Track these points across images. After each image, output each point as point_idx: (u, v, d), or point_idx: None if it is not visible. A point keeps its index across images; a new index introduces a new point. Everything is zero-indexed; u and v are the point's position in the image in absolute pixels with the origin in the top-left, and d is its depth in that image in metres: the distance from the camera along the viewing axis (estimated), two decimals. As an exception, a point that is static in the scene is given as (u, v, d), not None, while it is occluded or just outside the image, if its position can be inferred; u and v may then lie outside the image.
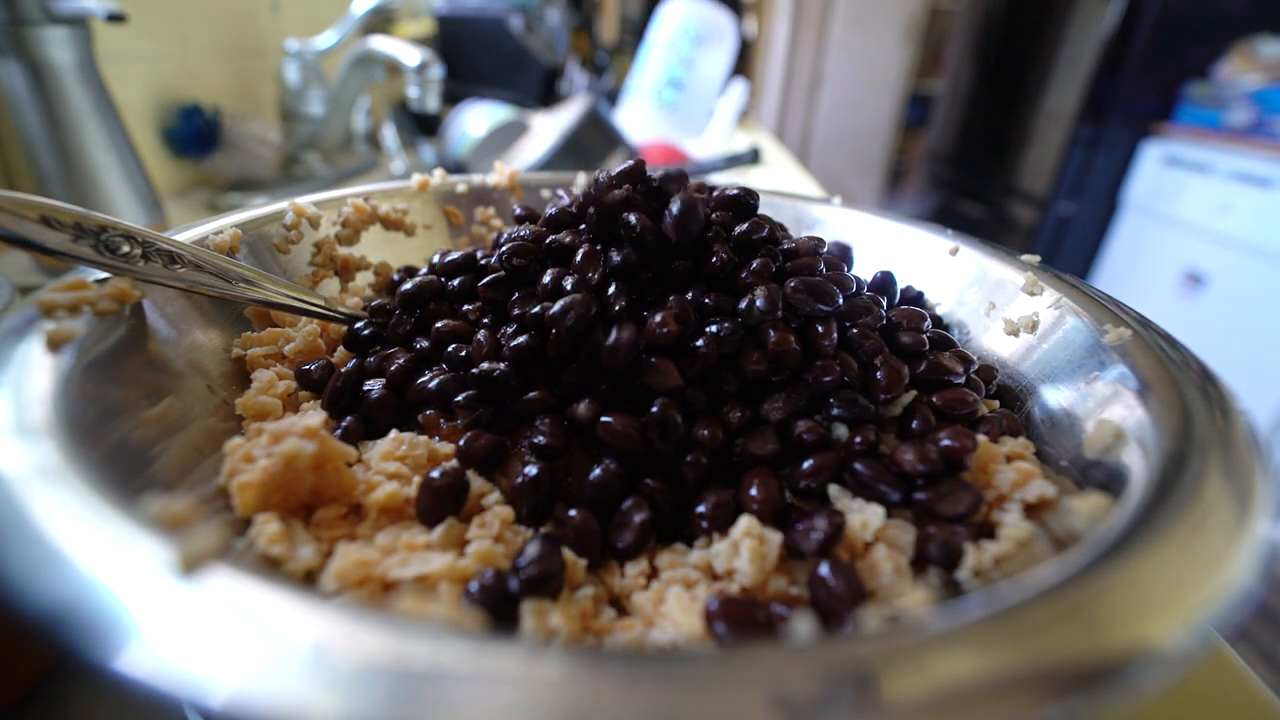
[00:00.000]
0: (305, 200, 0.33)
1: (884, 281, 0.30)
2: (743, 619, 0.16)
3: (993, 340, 0.29)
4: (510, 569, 0.18)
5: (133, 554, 0.12)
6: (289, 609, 0.12)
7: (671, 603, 0.17)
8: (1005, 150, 2.12)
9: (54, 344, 0.19)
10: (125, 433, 0.19)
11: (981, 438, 0.21)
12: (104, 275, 0.22)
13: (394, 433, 0.22)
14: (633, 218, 0.25)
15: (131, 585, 0.12)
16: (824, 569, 0.18)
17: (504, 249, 0.26)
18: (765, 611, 0.17)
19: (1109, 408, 0.21)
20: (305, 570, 0.17)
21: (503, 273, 0.26)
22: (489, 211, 0.40)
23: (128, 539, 0.13)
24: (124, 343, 0.21)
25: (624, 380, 0.23)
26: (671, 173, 0.26)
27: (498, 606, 0.17)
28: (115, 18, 0.51)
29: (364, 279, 0.34)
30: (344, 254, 0.34)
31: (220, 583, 0.12)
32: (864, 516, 0.19)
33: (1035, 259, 0.30)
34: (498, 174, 0.41)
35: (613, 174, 0.26)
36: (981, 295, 0.30)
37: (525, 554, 0.18)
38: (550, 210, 0.28)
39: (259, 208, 0.32)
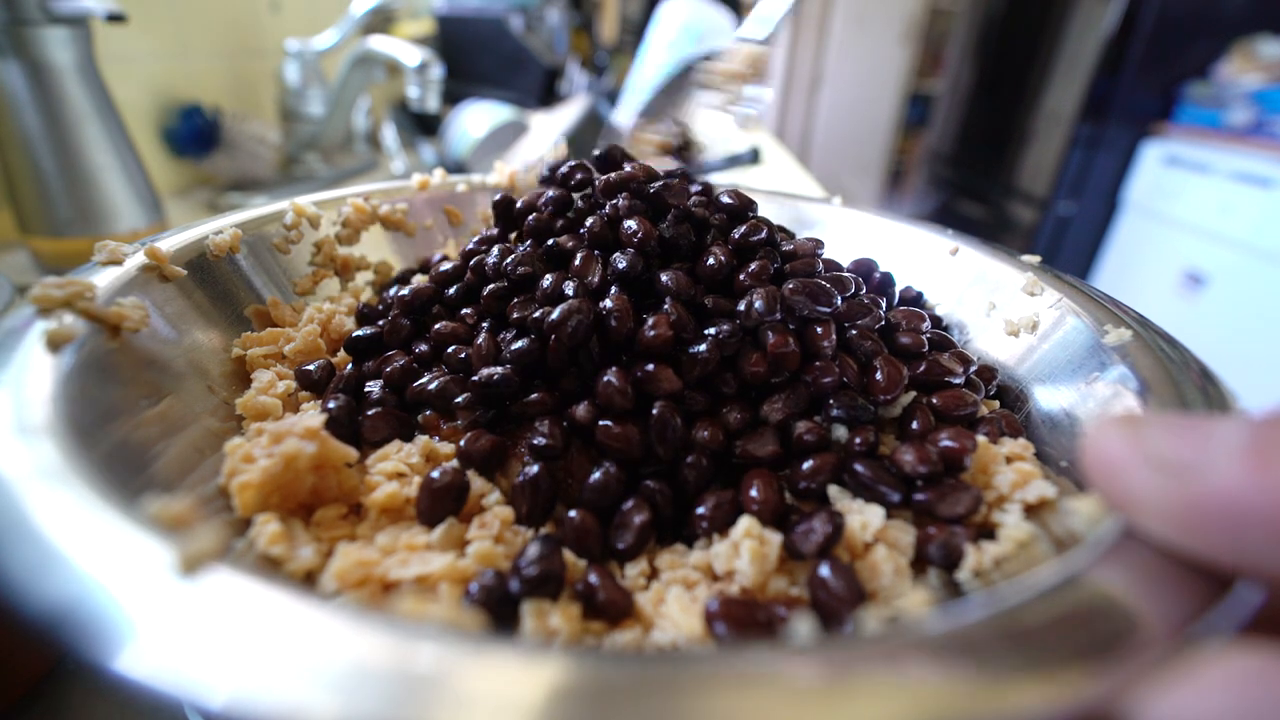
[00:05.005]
0: (305, 200, 0.33)
1: (883, 282, 0.30)
2: (743, 619, 0.16)
3: (993, 341, 0.29)
4: (510, 569, 0.18)
5: (133, 554, 0.12)
6: (289, 609, 0.12)
7: (671, 603, 0.17)
8: (1005, 150, 2.12)
9: (54, 344, 0.19)
10: (125, 433, 0.19)
11: (981, 438, 0.21)
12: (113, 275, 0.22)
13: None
14: (633, 223, 0.25)
15: (131, 586, 0.12)
16: (824, 570, 0.18)
17: (508, 261, 0.26)
18: (765, 612, 0.17)
19: (1109, 408, 0.21)
20: (305, 570, 0.17)
21: (505, 283, 0.26)
22: (489, 212, 0.40)
23: (128, 539, 0.13)
24: (124, 343, 0.21)
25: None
26: (671, 182, 0.26)
27: (498, 607, 0.17)
28: (115, 18, 0.51)
29: (364, 279, 0.34)
30: (344, 254, 0.34)
31: (220, 583, 0.12)
32: (864, 517, 0.19)
33: (1035, 259, 0.30)
34: (498, 174, 0.41)
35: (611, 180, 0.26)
36: (981, 295, 0.30)
37: (525, 554, 0.18)
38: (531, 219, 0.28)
39: (259, 208, 0.32)
